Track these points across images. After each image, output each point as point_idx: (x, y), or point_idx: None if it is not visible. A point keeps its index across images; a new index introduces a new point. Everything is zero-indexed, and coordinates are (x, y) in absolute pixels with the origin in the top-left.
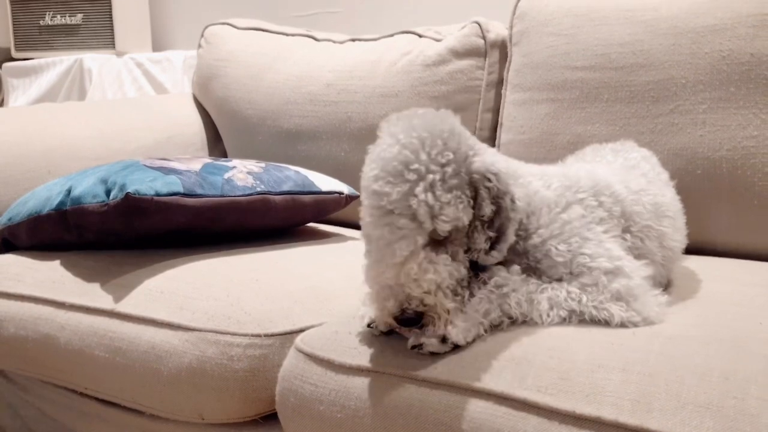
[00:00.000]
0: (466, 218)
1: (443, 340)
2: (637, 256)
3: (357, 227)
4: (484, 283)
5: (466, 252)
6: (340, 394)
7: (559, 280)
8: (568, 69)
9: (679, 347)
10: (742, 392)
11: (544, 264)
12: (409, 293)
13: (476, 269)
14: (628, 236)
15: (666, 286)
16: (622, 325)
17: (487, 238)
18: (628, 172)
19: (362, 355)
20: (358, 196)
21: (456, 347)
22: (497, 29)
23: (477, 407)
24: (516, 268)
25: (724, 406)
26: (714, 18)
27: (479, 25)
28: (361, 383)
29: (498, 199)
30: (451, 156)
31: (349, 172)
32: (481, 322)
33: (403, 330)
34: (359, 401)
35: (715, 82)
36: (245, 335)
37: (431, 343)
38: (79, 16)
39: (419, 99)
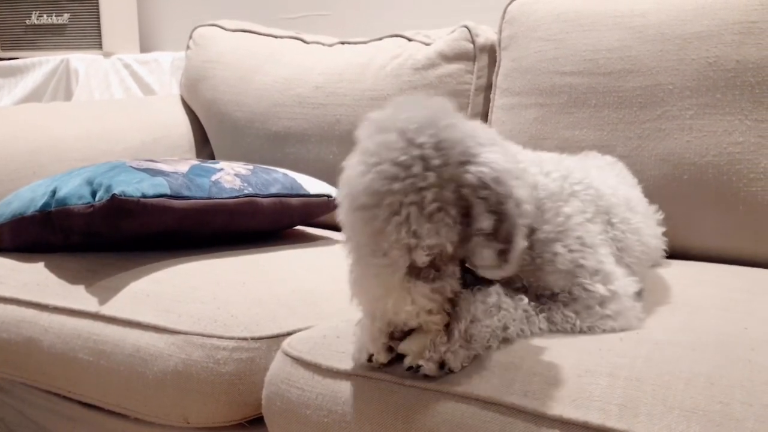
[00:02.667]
0: (451, 243)
1: (441, 365)
2: (620, 249)
3: None
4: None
5: (465, 270)
6: (326, 399)
7: (552, 294)
8: (557, 74)
9: (665, 352)
10: (728, 397)
11: (547, 268)
12: (390, 320)
13: (465, 274)
14: (609, 228)
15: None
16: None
17: (495, 251)
18: (600, 170)
19: (349, 360)
20: None
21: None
22: (486, 33)
23: (464, 412)
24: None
25: (710, 411)
26: (701, 25)
27: (468, 29)
28: (348, 387)
29: (499, 205)
30: (433, 179)
31: (338, 175)
32: (479, 354)
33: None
34: (346, 406)
35: (702, 88)
36: (232, 338)
37: (429, 367)
38: (66, 15)
39: None
